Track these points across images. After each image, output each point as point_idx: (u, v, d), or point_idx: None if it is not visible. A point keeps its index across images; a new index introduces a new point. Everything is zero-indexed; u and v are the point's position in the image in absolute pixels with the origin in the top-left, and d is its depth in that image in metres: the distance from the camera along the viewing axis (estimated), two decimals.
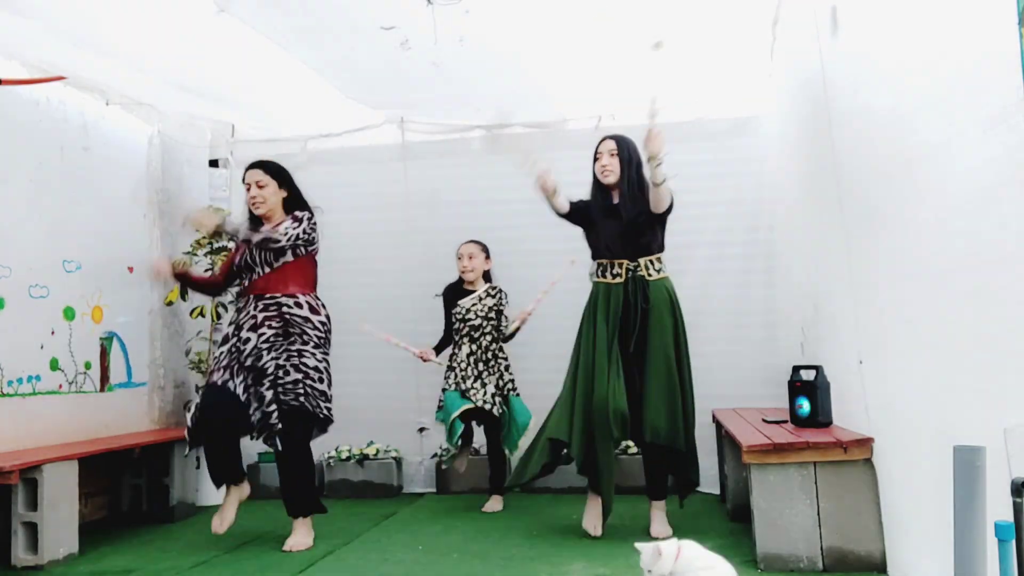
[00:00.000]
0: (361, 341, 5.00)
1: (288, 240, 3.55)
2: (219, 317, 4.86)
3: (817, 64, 3.08)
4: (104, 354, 4.42)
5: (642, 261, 3.57)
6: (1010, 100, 1.58)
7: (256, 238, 3.52)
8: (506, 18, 3.49)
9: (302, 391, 3.55)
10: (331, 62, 4.03)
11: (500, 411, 4.28)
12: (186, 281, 3.97)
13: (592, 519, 3.57)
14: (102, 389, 4.38)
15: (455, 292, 4.45)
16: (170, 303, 4.86)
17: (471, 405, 4.21)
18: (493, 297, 4.40)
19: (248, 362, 3.53)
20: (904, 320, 2.35)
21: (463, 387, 4.30)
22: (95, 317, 4.35)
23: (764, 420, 3.56)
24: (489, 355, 4.36)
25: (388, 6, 3.35)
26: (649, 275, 3.56)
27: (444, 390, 4.39)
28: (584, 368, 3.54)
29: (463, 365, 4.34)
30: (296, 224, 3.58)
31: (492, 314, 4.37)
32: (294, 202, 3.71)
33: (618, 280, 3.56)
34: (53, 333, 4.05)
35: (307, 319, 3.62)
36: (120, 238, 4.60)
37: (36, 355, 3.94)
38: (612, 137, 3.67)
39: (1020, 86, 1.53)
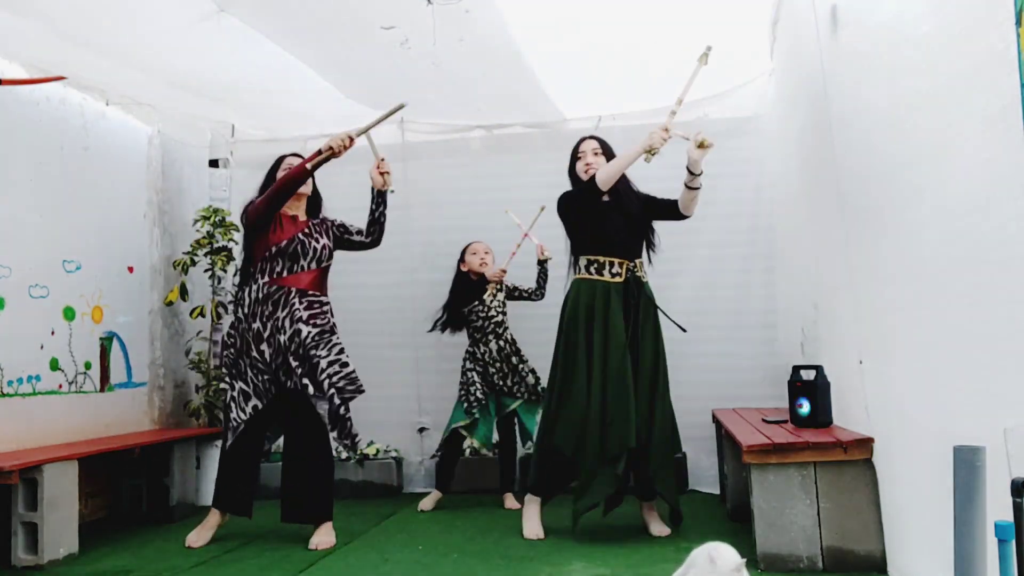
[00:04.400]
0: (361, 342, 5.00)
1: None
2: (219, 317, 4.86)
3: (817, 64, 3.08)
4: (104, 354, 4.42)
5: (637, 262, 3.57)
6: (1009, 100, 1.58)
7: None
8: (506, 18, 3.49)
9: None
10: (331, 62, 4.03)
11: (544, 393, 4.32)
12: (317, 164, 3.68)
13: (535, 526, 3.57)
14: (102, 389, 4.39)
15: (469, 288, 4.42)
16: (170, 303, 4.86)
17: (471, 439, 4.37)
18: (502, 291, 4.44)
19: (300, 351, 3.58)
20: (904, 320, 2.35)
21: (502, 385, 4.34)
22: (95, 317, 4.35)
23: (764, 420, 3.56)
24: (518, 346, 4.42)
25: (388, 6, 3.35)
26: (643, 277, 3.57)
27: (469, 392, 4.32)
28: (603, 378, 3.39)
29: (496, 363, 4.34)
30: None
31: (506, 308, 4.42)
32: (314, 204, 3.88)
33: (618, 279, 3.49)
34: (53, 333, 4.05)
35: (333, 322, 3.75)
36: (120, 238, 4.60)
37: (36, 355, 3.94)
38: (593, 137, 3.70)
39: (1020, 86, 1.53)
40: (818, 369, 3.25)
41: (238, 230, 4.89)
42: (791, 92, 3.82)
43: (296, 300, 3.62)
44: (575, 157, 3.67)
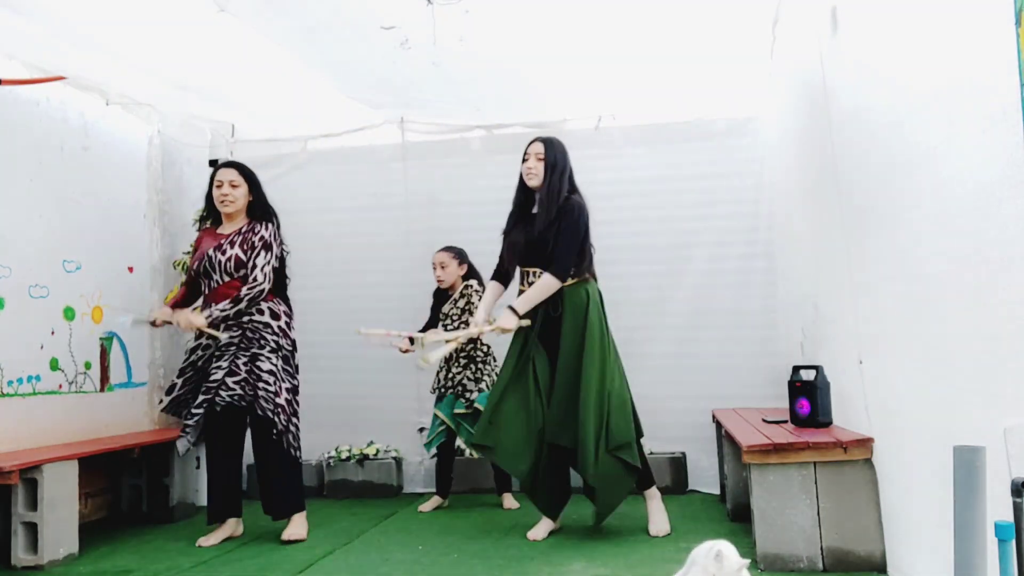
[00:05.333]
0: (361, 341, 5.00)
1: (268, 280, 3.62)
2: None
3: (817, 64, 3.08)
4: (104, 354, 4.42)
5: (531, 271, 3.58)
6: (1009, 100, 1.58)
7: (239, 307, 3.57)
8: (506, 18, 3.49)
9: (252, 393, 3.58)
10: (331, 62, 4.03)
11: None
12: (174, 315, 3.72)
13: (537, 530, 3.57)
14: (102, 389, 4.39)
15: (439, 297, 4.49)
16: None
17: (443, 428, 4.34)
18: (464, 296, 4.37)
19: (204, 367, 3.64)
20: (904, 320, 2.35)
21: (449, 388, 4.31)
22: (95, 317, 4.35)
23: (764, 420, 3.56)
24: (472, 354, 4.33)
25: (388, 6, 3.35)
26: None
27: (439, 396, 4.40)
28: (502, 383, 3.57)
29: (446, 369, 4.35)
30: (267, 254, 3.64)
31: (466, 315, 4.33)
32: (258, 208, 3.76)
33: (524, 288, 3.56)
34: (53, 333, 4.05)
35: (267, 324, 3.65)
36: (120, 238, 4.60)
37: (36, 355, 3.94)
38: (541, 140, 3.61)
39: (1020, 86, 1.53)
40: (818, 369, 3.25)
41: None
42: (791, 92, 3.82)
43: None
44: (523, 157, 3.62)
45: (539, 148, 3.58)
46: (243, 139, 5.26)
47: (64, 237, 4.16)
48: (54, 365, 4.05)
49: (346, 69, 4.14)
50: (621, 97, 4.66)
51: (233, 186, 3.69)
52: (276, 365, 3.63)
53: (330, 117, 4.92)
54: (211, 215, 3.82)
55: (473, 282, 4.41)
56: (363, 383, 5.03)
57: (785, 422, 3.41)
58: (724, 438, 3.99)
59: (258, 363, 3.60)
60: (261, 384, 3.58)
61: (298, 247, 5.14)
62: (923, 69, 2.07)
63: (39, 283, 3.97)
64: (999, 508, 1.39)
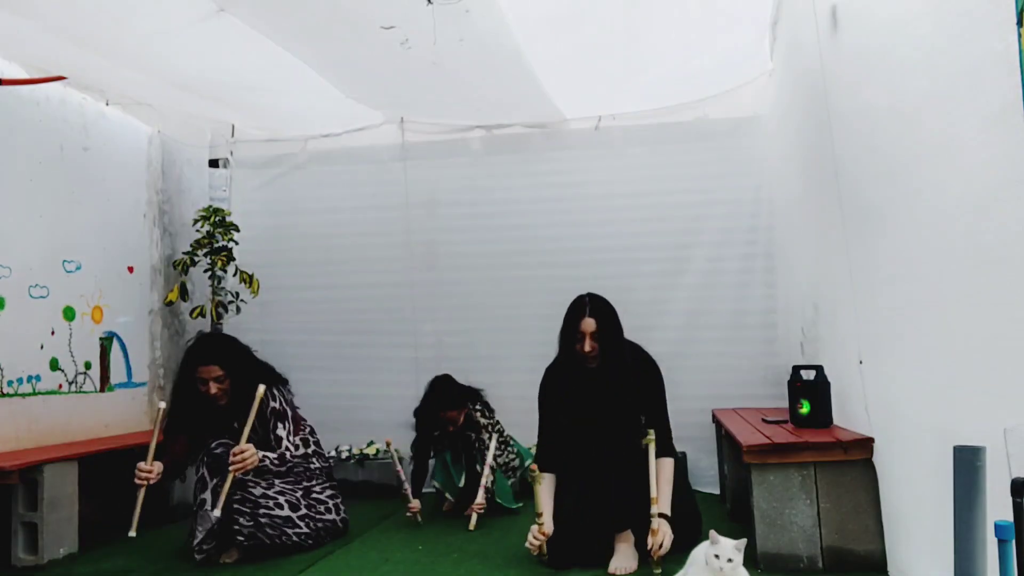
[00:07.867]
0: (361, 341, 5.02)
1: (291, 452, 3.47)
2: (219, 317, 4.87)
3: (817, 64, 3.08)
4: (104, 354, 4.42)
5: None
6: (1010, 100, 1.58)
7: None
8: (506, 18, 3.49)
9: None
10: (331, 62, 4.03)
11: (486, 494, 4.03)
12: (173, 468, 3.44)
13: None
14: (102, 389, 4.39)
15: (438, 432, 4.25)
16: (170, 303, 4.86)
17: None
18: (476, 424, 4.19)
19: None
20: (904, 320, 2.35)
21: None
22: (95, 317, 4.35)
23: (764, 420, 3.56)
24: (503, 461, 4.26)
25: (388, 6, 3.34)
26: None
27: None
28: None
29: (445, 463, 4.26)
30: (285, 423, 3.48)
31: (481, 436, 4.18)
32: (248, 380, 3.39)
33: None
34: (53, 333, 4.05)
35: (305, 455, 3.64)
36: (120, 238, 4.60)
37: (36, 355, 3.94)
38: (591, 314, 3.11)
39: (1020, 86, 1.53)
40: (818, 369, 3.25)
41: (238, 230, 4.90)
42: (791, 92, 3.82)
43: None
44: (573, 334, 3.14)
45: (591, 325, 3.09)
46: (243, 139, 5.27)
47: (64, 237, 4.16)
48: (54, 365, 4.05)
49: (346, 69, 4.14)
50: (621, 97, 4.66)
51: (218, 383, 3.39)
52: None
53: (330, 117, 4.92)
54: (187, 410, 3.46)
55: (480, 424, 4.16)
56: (363, 383, 5.03)
57: (785, 422, 3.41)
58: (724, 438, 3.99)
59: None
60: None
61: (298, 247, 5.16)
62: (923, 69, 2.07)
63: (39, 283, 3.97)
64: (999, 508, 1.39)
